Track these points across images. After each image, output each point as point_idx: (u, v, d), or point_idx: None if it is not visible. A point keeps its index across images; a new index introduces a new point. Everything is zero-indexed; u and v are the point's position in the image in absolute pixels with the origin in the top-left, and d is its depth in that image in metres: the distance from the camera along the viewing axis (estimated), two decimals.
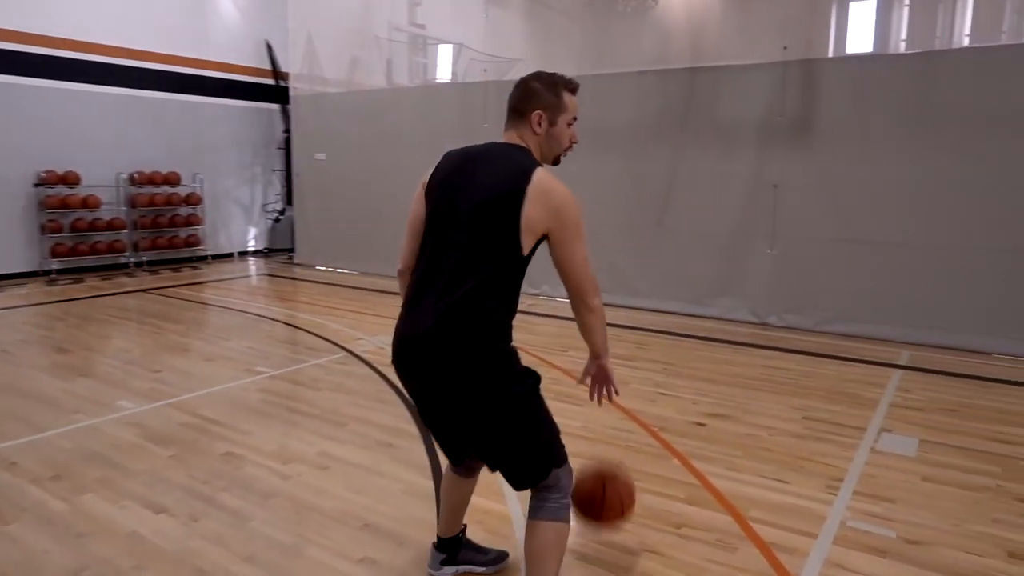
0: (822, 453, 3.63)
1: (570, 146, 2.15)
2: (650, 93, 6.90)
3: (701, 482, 3.28)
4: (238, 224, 10.99)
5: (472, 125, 8.12)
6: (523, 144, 2.10)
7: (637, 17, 6.96)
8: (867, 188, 5.92)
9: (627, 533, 2.80)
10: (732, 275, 6.64)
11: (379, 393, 4.53)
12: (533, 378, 2.06)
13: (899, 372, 5.10)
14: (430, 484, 3.23)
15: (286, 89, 10.58)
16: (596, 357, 2.18)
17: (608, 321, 2.13)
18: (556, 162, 2.17)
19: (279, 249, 11.10)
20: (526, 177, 1.95)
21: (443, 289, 1.96)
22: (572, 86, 2.12)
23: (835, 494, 3.18)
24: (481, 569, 2.53)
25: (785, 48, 6.21)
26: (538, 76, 2.11)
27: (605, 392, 2.24)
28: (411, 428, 3.92)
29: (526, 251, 1.97)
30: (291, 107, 10.08)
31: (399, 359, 2.07)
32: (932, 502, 3.11)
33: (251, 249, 11.22)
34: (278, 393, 4.51)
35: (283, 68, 10.83)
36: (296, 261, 10.26)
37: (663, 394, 4.56)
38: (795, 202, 6.26)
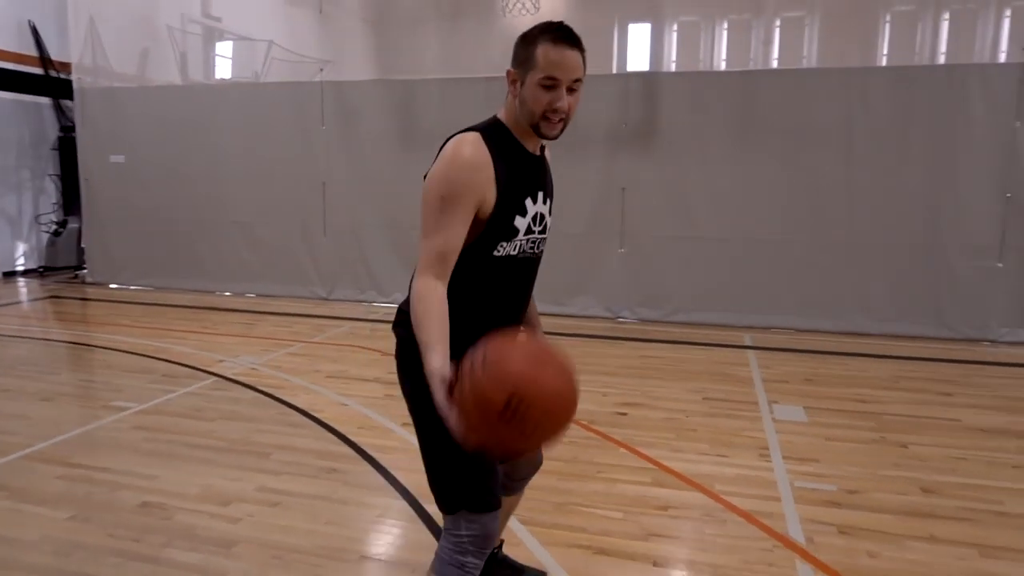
0: (739, 428, 4.00)
1: (552, 115, 1.64)
2: (499, 99, 7.03)
3: (657, 466, 3.46)
4: (2, 240, 9.20)
5: (305, 126, 7.65)
6: (498, 114, 1.76)
7: (483, 23, 7.07)
8: (705, 190, 6.61)
9: (625, 522, 2.87)
10: (587, 274, 7.01)
11: (283, 417, 4.11)
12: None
13: (751, 352, 5.77)
14: (403, 504, 3.03)
15: (60, 80, 9.09)
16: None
17: None
18: (543, 134, 1.69)
19: (61, 267, 9.48)
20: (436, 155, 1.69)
21: None
22: (556, 35, 1.61)
23: (770, 461, 3.54)
24: None
25: (628, 63, 6.73)
26: (534, 27, 1.67)
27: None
28: (343, 449, 3.63)
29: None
30: (75, 102, 8.67)
31: None
32: (845, 457, 3.58)
33: (21, 268, 9.45)
34: (161, 429, 3.89)
35: (55, 55, 9.29)
36: (89, 280, 8.85)
37: None
38: (642, 204, 6.79)
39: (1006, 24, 5.89)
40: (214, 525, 2.83)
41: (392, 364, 1.86)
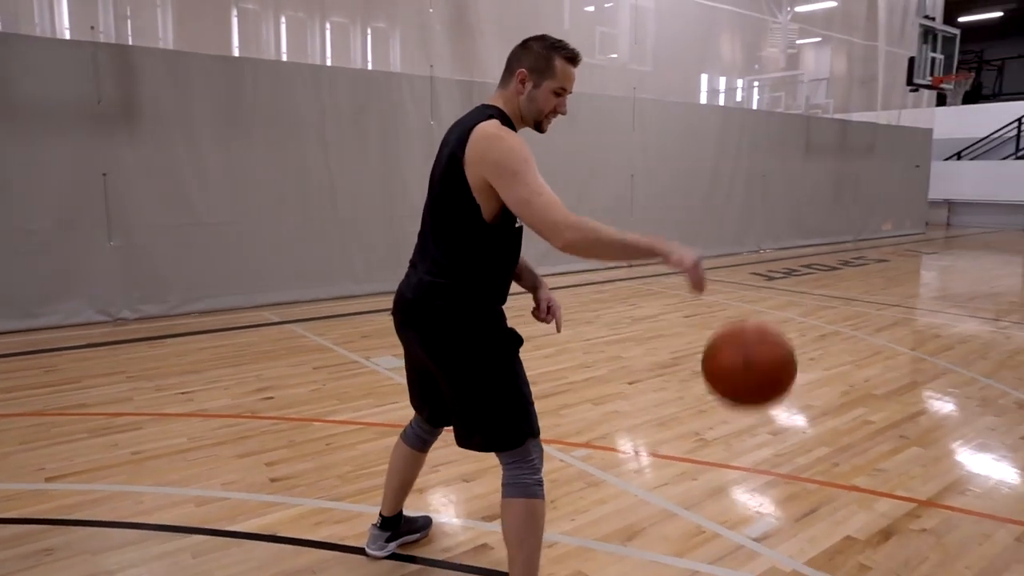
0: (373, 381, 4.59)
1: (553, 114, 2.09)
2: None
3: (363, 424, 3.83)
4: None
5: None
6: (496, 103, 2.08)
7: None
8: (196, 174, 6.43)
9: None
10: (70, 275, 5.93)
11: None
12: (506, 341, 2.10)
13: (292, 325, 6.17)
14: (196, 537, 2.67)
15: None
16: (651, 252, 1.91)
17: None
18: (538, 128, 2.11)
19: None
20: (467, 134, 1.94)
21: (420, 258, 2.11)
22: (570, 55, 2.05)
23: None
24: (414, 537, 2.66)
25: (92, 28, 5.89)
26: (540, 38, 2.07)
27: None
28: (17, 529, 2.72)
29: (489, 215, 1.97)
30: None
31: (393, 316, 2.18)
32: None
33: None
34: None
35: None
36: None
37: (181, 393, 4.33)
38: (130, 190, 6.13)
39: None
40: None
41: None
